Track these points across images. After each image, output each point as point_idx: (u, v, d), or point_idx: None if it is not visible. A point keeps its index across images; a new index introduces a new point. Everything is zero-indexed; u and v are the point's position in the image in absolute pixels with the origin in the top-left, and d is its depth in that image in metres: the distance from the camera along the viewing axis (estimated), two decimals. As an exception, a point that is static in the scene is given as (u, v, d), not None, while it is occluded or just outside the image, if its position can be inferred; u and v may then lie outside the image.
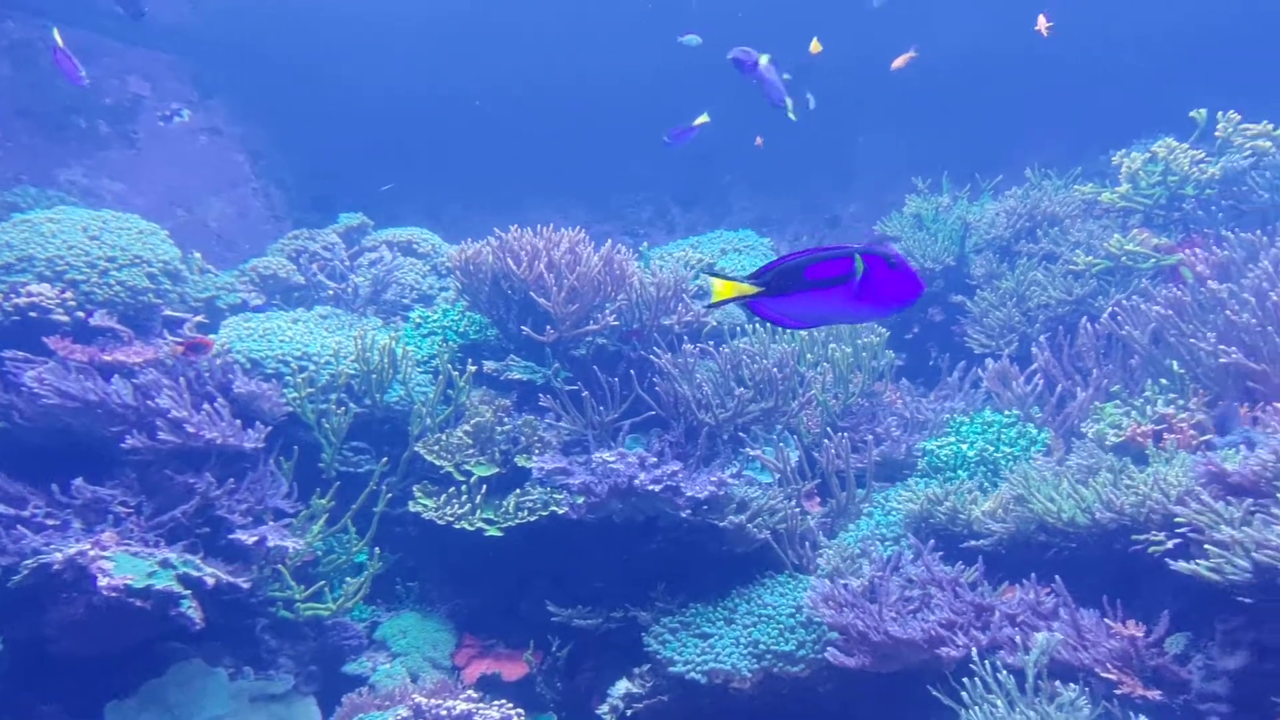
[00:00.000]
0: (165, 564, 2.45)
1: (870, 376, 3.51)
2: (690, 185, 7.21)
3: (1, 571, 2.46)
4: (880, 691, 2.46)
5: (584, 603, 2.97)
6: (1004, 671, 2.06)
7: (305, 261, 4.65)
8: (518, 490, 3.13)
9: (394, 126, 7.00)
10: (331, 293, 4.49)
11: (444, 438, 3.25)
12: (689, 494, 2.73)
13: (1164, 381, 2.89)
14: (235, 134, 6.40)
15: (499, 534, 3.00)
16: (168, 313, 3.64)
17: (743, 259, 4.69)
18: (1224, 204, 3.69)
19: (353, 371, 3.43)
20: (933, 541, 2.62)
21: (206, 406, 2.87)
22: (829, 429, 3.29)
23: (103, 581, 2.32)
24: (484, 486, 3.10)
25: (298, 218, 6.35)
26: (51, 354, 2.99)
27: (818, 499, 3.16)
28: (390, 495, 3.21)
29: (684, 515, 2.77)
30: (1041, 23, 4.23)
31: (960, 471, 3.04)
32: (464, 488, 3.11)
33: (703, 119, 3.94)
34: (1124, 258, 3.70)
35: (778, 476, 3.02)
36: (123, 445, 2.76)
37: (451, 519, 3.03)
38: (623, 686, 2.75)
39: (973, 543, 2.61)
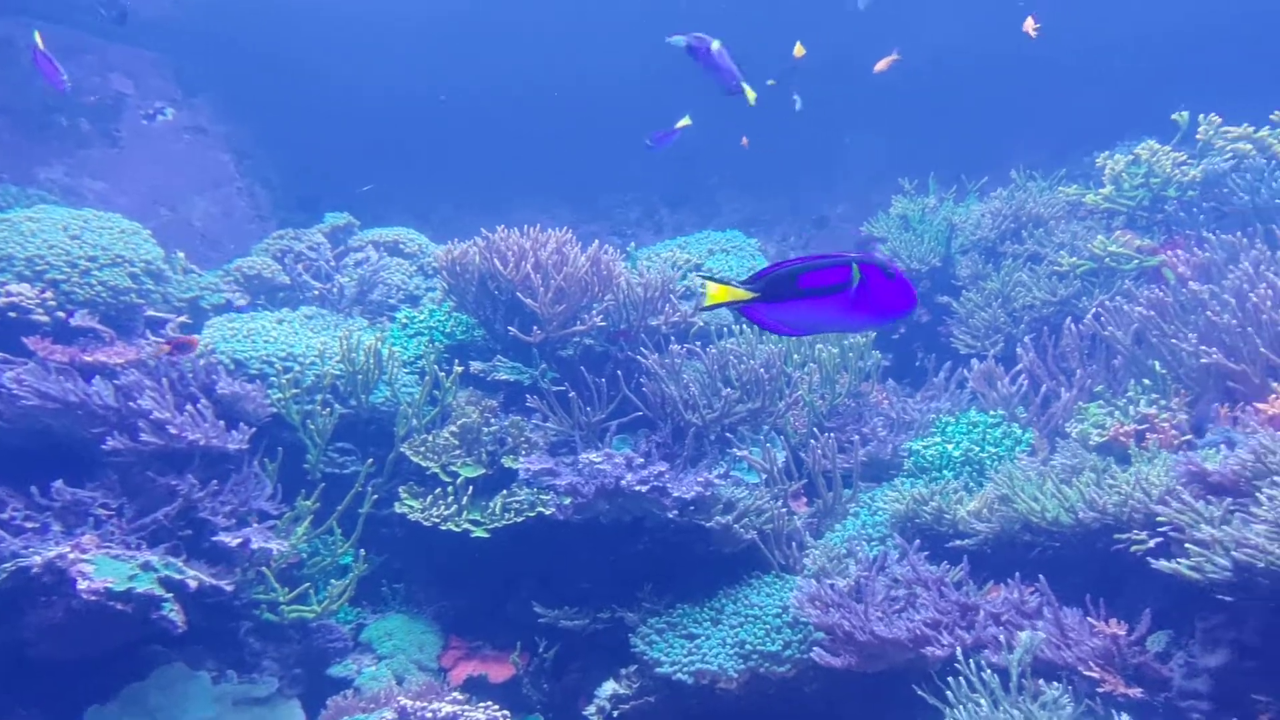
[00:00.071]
0: (147, 567, 2.42)
1: (857, 377, 3.52)
2: (678, 186, 7.22)
3: (-21, 575, 2.42)
4: (866, 691, 2.47)
5: (571, 604, 2.96)
6: (988, 670, 2.07)
7: (290, 262, 4.62)
8: (504, 491, 3.12)
9: (381, 126, 6.96)
10: (317, 293, 4.46)
11: (430, 439, 3.23)
12: (676, 494, 2.73)
13: (1146, 382, 2.92)
14: (220, 132, 6.35)
15: (485, 535, 2.99)
16: (150, 313, 3.60)
17: (730, 259, 4.70)
18: (1205, 206, 3.72)
19: (338, 372, 3.41)
20: (918, 541, 2.63)
21: (189, 408, 2.84)
22: (816, 429, 3.30)
23: (82, 585, 2.29)
24: (470, 488, 3.09)
25: (283, 217, 6.31)
26: (31, 355, 2.96)
27: (804, 499, 3.17)
28: (376, 497, 3.19)
29: (671, 516, 2.77)
30: (1029, 24, 4.26)
31: (946, 471, 3.05)
32: (450, 489, 3.09)
33: (684, 122, 3.95)
34: (1107, 259, 3.73)
35: (765, 477, 3.03)
36: (104, 447, 2.73)
37: (438, 520, 3.02)
38: (609, 687, 2.74)
39: (958, 542, 2.62)
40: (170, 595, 2.41)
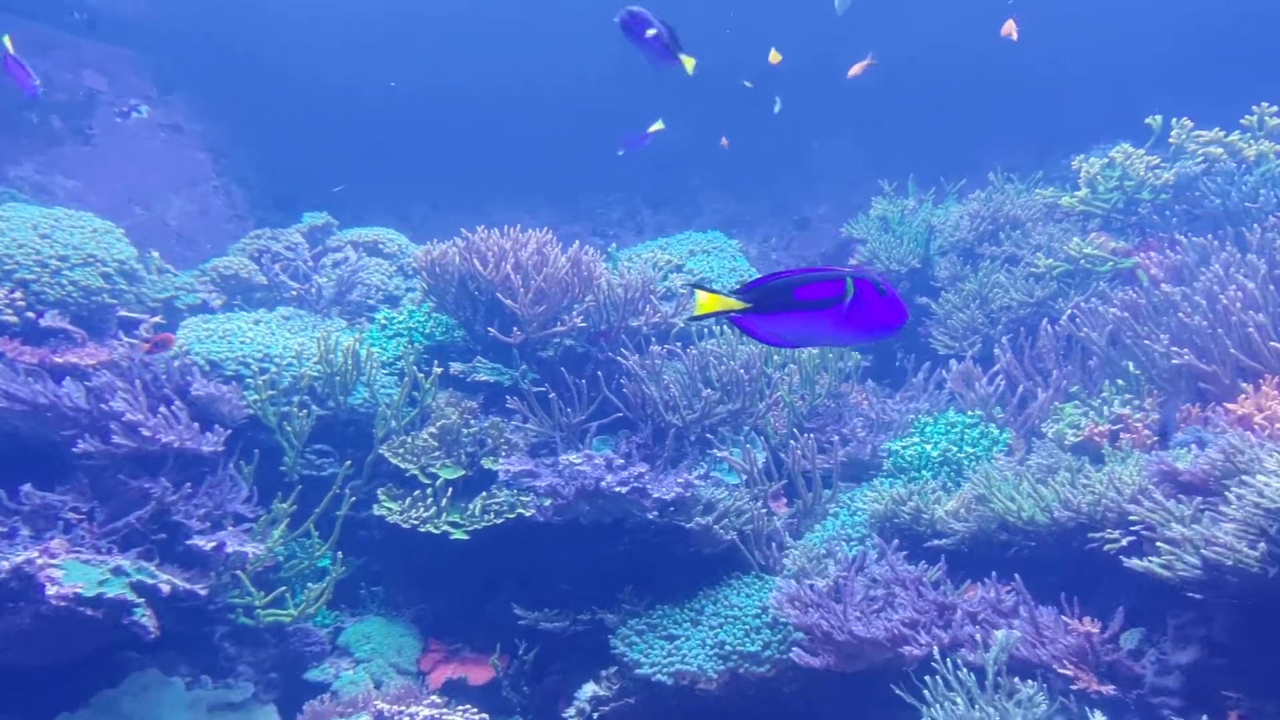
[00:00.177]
0: (118, 571, 2.38)
1: (837, 378, 3.54)
2: (660, 187, 7.22)
3: (-55, 581, 2.37)
4: (845, 691, 2.48)
5: (551, 605, 2.95)
6: (965, 669, 2.08)
7: (267, 261, 4.57)
8: (484, 493, 3.10)
9: (361, 125, 6.91)
10: (294, 293, 4.42)
11: (409, 440, 3.21)
12: (656, 495, 2.73)
13: (1120, 382, 2.96)
14: (196, 131, 6.27)
15: (465, 537, 2.97)
16: (123, 313, 3.55)
17: (711, 260, 4.71)
18: (1178, 209, 3.78)
19: (316, 373, 3.37)
20: (897, 541, 2.65)
21: (163, 409, 2.80)
22: (796, 430, 3.31)
23: (51, 590, 2.25)
24: (450, 489, 3.07)
25: (261, 217, 6.24)
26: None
27: (784, 500, 3.18)
28: (354, 499, 3.16)
29: (651, 517, 2.77)
30: (1009, 28, 4.30)
31: (924, 472, 3.07)
32: (429, 491, 3.07)
33: (657, 126, 3.97)
34: (1083, 260, 3.77)
35: (745, 478, 3.03)
36: (75, 450, 2.69)
37: (417, 522, 3.00)
38: (589, 689, 2.74)
39: (936, 542, 2.64)
40: (142, 600, 2.38)
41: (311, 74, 6.75)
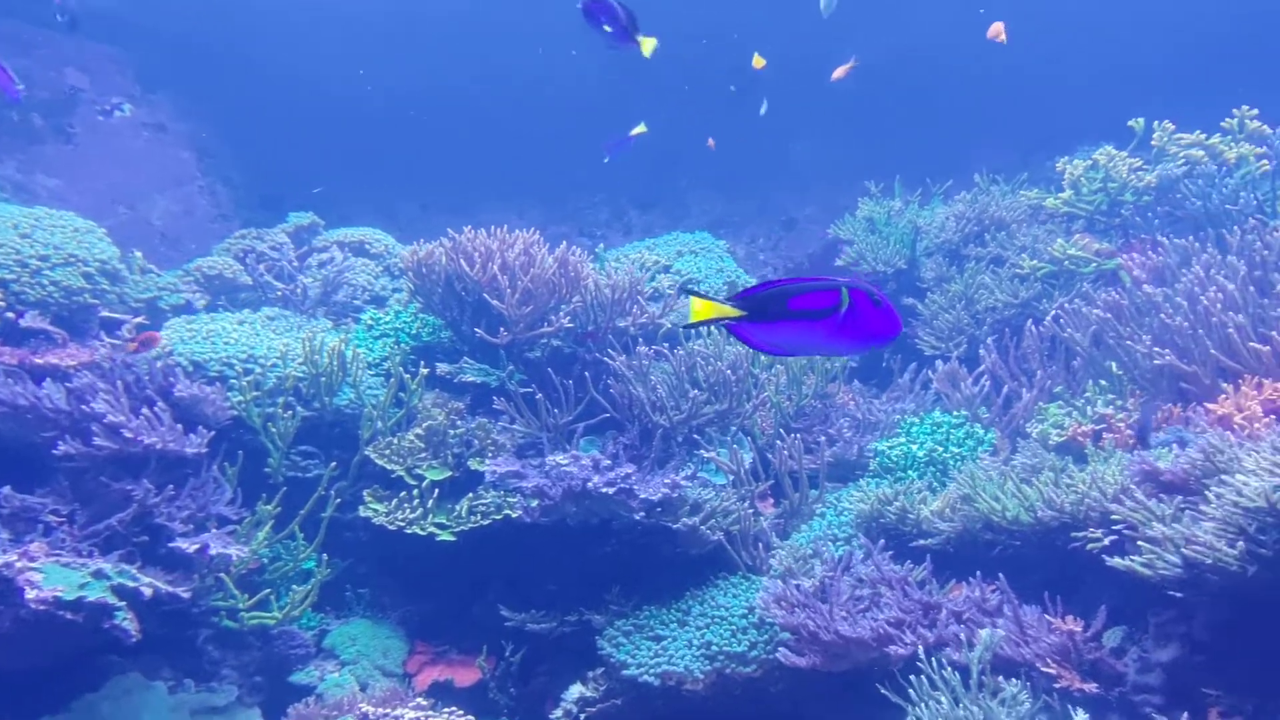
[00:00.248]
0: (99, 575, 2.36)
1: (823, 378, 3.55)
2: (648, 187, 7.23)
3: (-78, 585, 2.34)
4: (831, 690, 2.49)
5: (538, 607, 2.94)
6: (949, 668, 2.09)
7: (252, 262, 4.54)
8: (471, 494, 3.09)
9: (349, 125, 6.88)
10: (280, 294, 4.39)
11: (395, 441, 3.20)
12: (643, 496, 2.73)
13: (1103, 383, 2.98)
14: (181, 130, 6.22)
15: (452, 538, 2.96)
16: (105, 314, 3.52)
17: (698, 261, 4.71)
18: (1160, 210, 3.81)
19: (301, 374, 3.35)
20: (883, 541, 2.66)
21: (146, 411, 2.78)
22: (782, 430, 3.32)
23: (31, 594, 2.23)
24: (436, 490, 3.06)
25: (246, 216, 6.20)
26: (-21, 357, 2.87)
27: (771, 500, 3.18)
28: (340, 500, 3.15)
29: (638, 518, 2.77)
30: (998, 30, 4.32)
31: (910, 472, 3.09)
32: (416, 492, 3.06)
33: (640, 129, 3.99)
34: (1067, 262, 3.80)
35: (732, 478, 3.04)
36: (55, 452, 2.66)
37: (403, 524, 2.98)
38: (576, 690, 2.73)
39: (921, 541, 2.65)
40: (123, 604, 2.35)
41: (299, 73, 6.71)
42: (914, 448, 3.14)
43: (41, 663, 2.47)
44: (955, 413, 3.32)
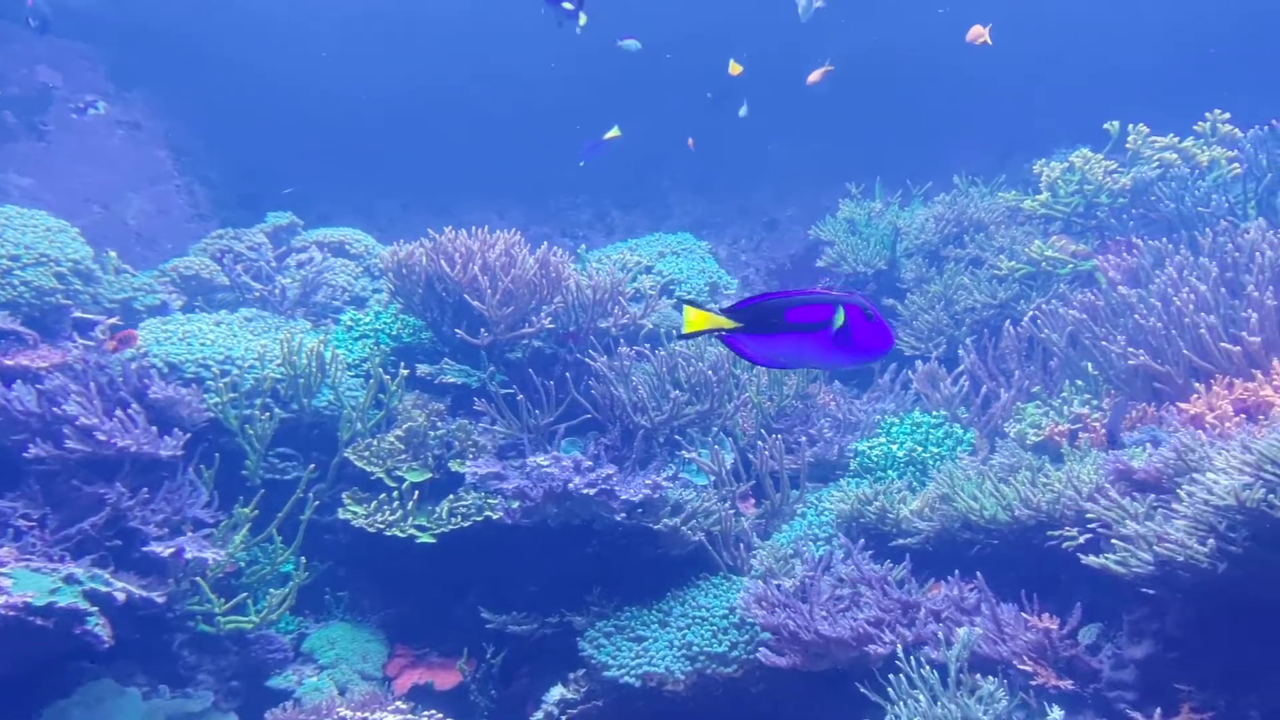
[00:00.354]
0: (70, 579, 2.32)
1: (804, 379, 3.57)
2: (631, 188, 7.23)
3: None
4: (812, 690, 2.50)
5: (519, 608, 2.93)
6: (928, 667, 2.11)
7: (229, 262, 4.49)
8: (451, 496, 3.07)
9: (328, 125, 6.82)
10: (257, 294, 4.34)
11: (375, 443, 3.17)
12: (624, 497, 2.72)
13: (1080, 383, 3.02)
14: (157, 128, 6.13)
15: (432, 540, 2.94)
16: (78, 314, 3.46)
17: (680, 262, 4.72)
18: (1135, 213, 3.86)
19: (279, 375, 3.32)
20: (863, 540, 2.67)
21: (119, 413, 2.74)
22: (764, 430, 3.33)
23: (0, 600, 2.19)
24: (416, 492, 3.04)
25: (225, 216, 6.13)
26: (-53, 358, 2.82)
27: (752, 500, 3.19)
28: (318, 503, 3.12)
29: (619, 519, 2.76)
30: (979, 32, 4.36)
31: (890, 471, 3.11)
32: (396, 494, 3.04)
33: (613, 133, 4.02)
34: (1044, 263, 3.85)
35: (713, 479, 3.04)
36: (25, 455, 2.62)
37: (382, 526, 2.96)
38: (557, 692, 2.72)
39: (901, 541, 2.66)
40: (96, 609, 2.32)
41: (278, 71, 6.65)
42: (894, 448, 3.16)
43: (11, 670, 2.42)
44: (935, 413, 3.35)
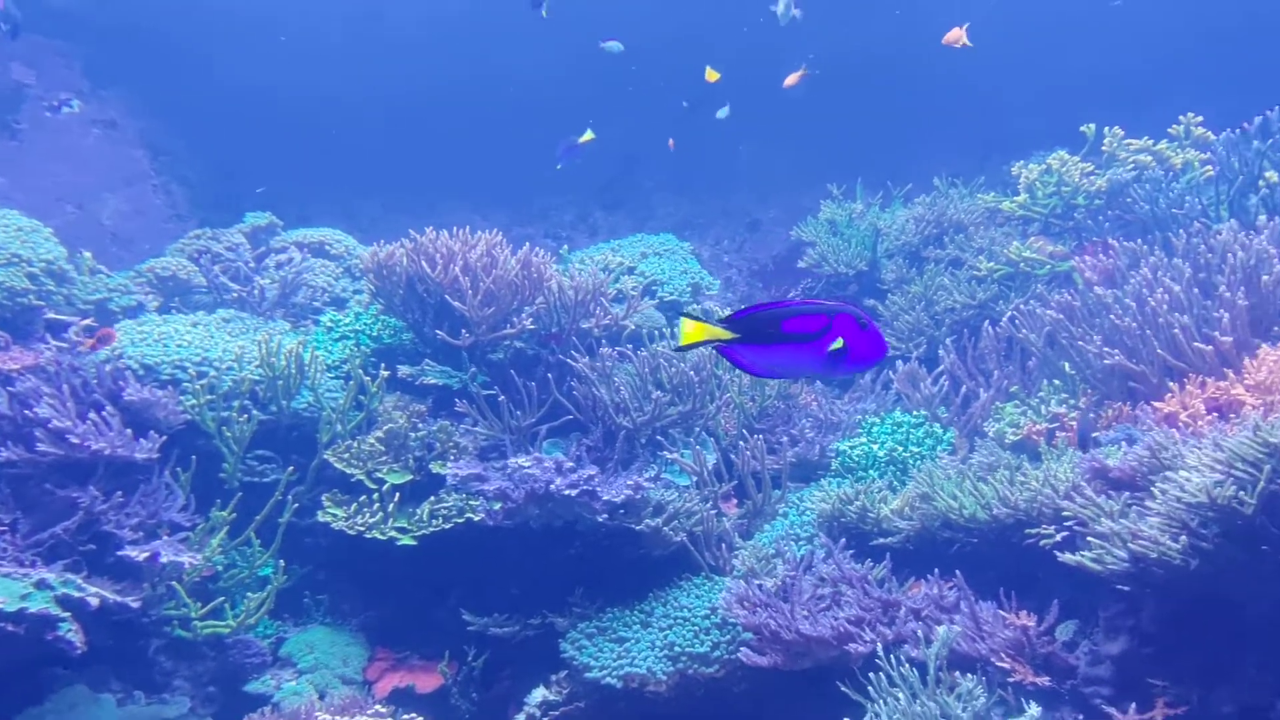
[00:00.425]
0: (42, 585, 2.28)
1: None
2: (613, 189, 7.22)
3: None
4: (793, 689, 2.51)
5: (501, 610, 2.92)
6: (908, 665, 2.12)
7: (207, 263, 4.44)
8: (432, 497, 3.05)
9: (308, 125, 6.76)
10: (235, 295, 4.30)
11: (355, 445, 3.15)
12: (606, 498, 2.72)
13: (1057, 382, 3.05)
14: (134, 127, 6.06)
15: (413, 543, 2.92)
16: (51, 315, 3.41)
17: (663, 263, 4.72)
18: (1111, 214, 3.91)
19: (257, 377, 3.29)
20: (844, 540, 2.68)
21: (93, 415, 2.70)
22: (746, 431, 3.34)
23: (-30, 606, 2.15)
24: (397, 494, 3.02)
25: (203, 217, 6.06)
26: (-85, 360, 2.76)
27: (734, 501, 3.20)
28: (297, 506, 3.09)
29: (601, 520, 2.76)
30: (957, 35, 4.40)
31: (871, 471, 3.12)
32: (376, 496, 3.02)
33: (588, 136, 4.06)
34: (1023, 264, 3.89)
35: (695, 479, 3.04)
36: (-4, 458, 2.57)
37: (363, 528, 2.94)
38: (539, 694, 2.72)
39: (882, 540, 2.68)
40: (68, 615, 2.28)
41: (258, 71, 6.58)
42: (875, 447, 3.18)
43: (-18, 677, 2.38)
44: (915, 412, 3.37)
